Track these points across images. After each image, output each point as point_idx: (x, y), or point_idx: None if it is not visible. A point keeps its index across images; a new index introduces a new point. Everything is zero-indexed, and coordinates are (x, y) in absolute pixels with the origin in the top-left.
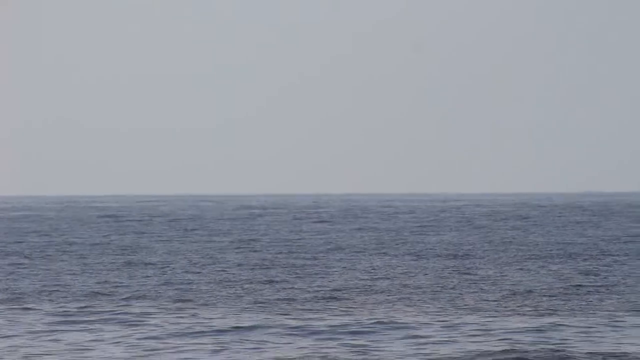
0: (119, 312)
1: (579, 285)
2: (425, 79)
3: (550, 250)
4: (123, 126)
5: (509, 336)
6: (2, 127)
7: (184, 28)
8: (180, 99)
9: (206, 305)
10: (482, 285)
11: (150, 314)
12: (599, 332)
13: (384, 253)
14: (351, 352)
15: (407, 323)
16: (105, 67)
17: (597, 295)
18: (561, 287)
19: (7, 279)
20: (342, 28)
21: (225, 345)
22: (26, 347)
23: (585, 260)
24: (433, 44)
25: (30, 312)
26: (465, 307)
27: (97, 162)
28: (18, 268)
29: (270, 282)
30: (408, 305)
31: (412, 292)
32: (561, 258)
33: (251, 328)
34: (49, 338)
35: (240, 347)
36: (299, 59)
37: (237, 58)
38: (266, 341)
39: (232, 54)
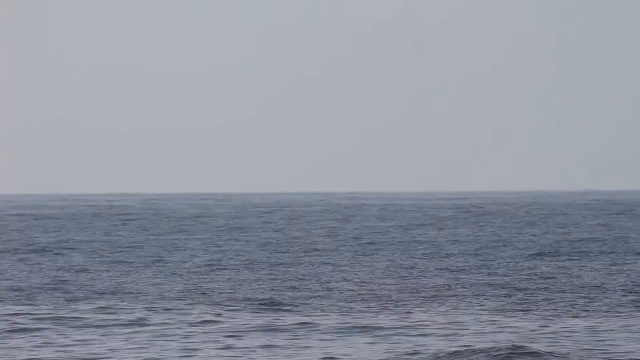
0: (129, 311)
1: (590, 284)
2: (425, 79)
3: (560, 247)
4: (123, 126)
5: (517, 335)
6: (2, 127)
7: (184, 28)
8: (180, 99)
9: (217, 304)
10: (493, 282)
11: (161, 312)
12: (609, 333)
13: (393, 252)
14: (355, 350)
15: (414, 320)
16: (105, 67)
17: (608, 294)
18: (573, 286)
19: (17, 276)
20: (342, 28)
21: (238, 345)
22: (42, 346)
23: (597, 258)
24: (433, 44)
25: (39, 308)
26: (476, 304)
27: (98, 161)
28: (27, 265)
29: (279, 280)
30: (417, 305)
31: (422, 291)
32: (571, 255)
33: (262, 327)
34: (59, 338)
35: (253, 346)
36: (299, 59)
37: (237, 58)
38: (276, 339)
39: (232, 54)
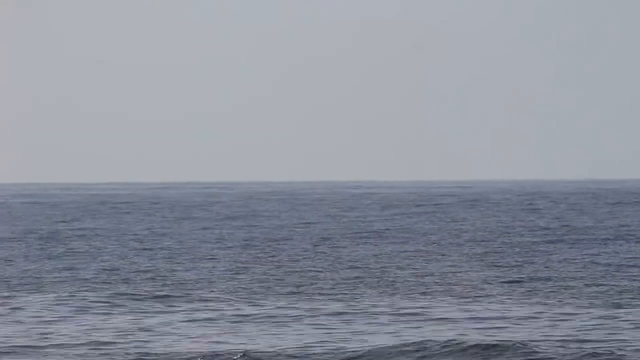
0: (137, 297)
1: (598, 274)
2: (425, 78)
3: (564, 235)
4: (123, 123)
5: (520, 327)
6: (2, 124)
7: (185, 22)
8: (180, 98)
9: (218, 291)
10: (498, 271)
11: (172, 301)
12: (616, 322)
13: (396, 240)
14: (343, 339)
15: (419, 308)
16: (105, 65)
17: (615, 282)
18: (580, 275)
19: (24, 263)
20: (342, 27)
21: (242, 331)
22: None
23: (601, 246)
24: (433, 44)
25: (46, 297)
26: (481, 294)
27: (97, 157)
28: (34, 251)
29: (282, 267)
30: (422, 293)
31: (426, 279)
32: (576, 243)
33: (266, 313)
34: (69, 324)
35: (258, 332)
36: (300, 56)
37: (237, 56)
38: (279, 324)
39: (233, 52)
